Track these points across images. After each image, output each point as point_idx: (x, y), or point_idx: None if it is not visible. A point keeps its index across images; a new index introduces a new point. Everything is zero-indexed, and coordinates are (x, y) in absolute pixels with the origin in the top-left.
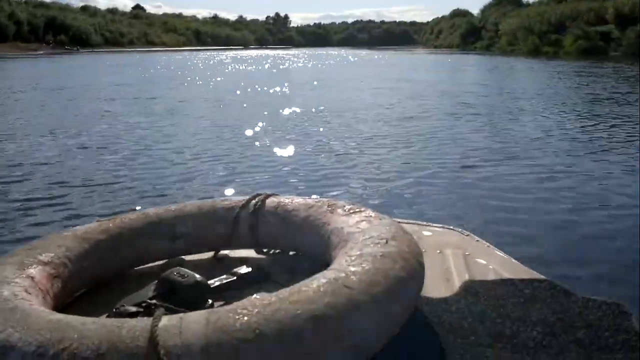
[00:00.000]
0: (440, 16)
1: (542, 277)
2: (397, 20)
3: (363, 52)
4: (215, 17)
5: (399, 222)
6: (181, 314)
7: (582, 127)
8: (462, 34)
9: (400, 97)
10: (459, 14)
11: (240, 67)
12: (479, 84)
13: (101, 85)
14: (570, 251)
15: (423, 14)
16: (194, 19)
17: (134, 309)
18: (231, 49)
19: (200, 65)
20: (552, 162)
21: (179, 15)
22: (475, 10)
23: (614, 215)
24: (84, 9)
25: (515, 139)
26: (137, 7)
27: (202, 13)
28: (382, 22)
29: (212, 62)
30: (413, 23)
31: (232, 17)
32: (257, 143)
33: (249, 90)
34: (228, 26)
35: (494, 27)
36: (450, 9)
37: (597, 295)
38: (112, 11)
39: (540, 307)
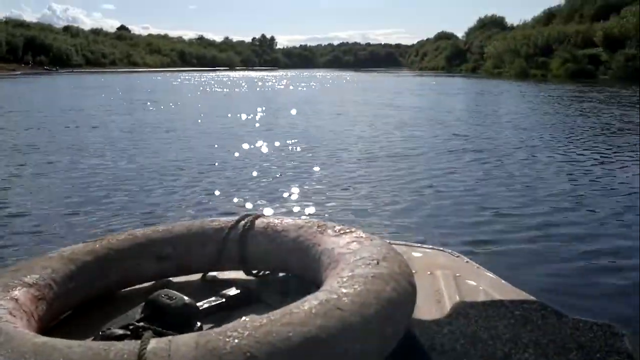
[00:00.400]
0: (425, 39)
1: (533, 298)
2: (382, 43)
3: (348, 74)
4: (201, 38)
5: (389, 243)
6: (170, 337)
7: (578, 149)
8: (447, 57)
9: (385, 128)
10: (444, 37)
11: (219, 90)
12: (472, 111)
13: (48, 110)
14: (559, 272)
15: (407, 37)
16: (179, 39)
17: (121, 331)
18: (216, 70)
19: (177, 87)
20: (543, 184)
21: (165, 37)
22: (459, 33)
23: (604, 238)
24: (66, 29)
25: (507, 164)
26: (122, 27)
27: (189, 35)
28: (368, 44)
29: (190, 83)
30: (398, 45)
31: (219, 38)
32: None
33: (215, 117)
34: (214, 47)
35: (479, 50)
36: (434, 32)
37: (587, 317)
38: (96, 32)
39: (531, 328)
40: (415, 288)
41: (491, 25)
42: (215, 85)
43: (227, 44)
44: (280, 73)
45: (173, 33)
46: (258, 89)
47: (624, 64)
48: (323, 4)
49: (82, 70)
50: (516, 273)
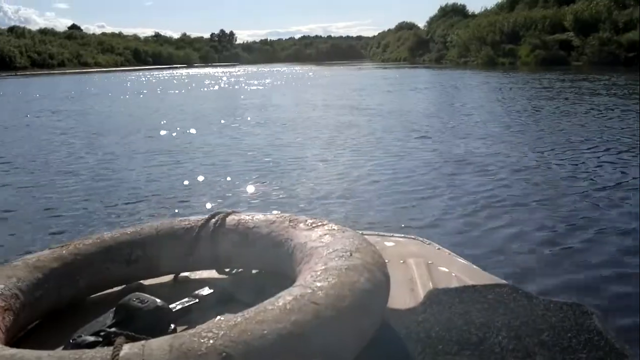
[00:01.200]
0: (386, 29)
1: (504, 282)
2: (344, 35)
3: (309, 69)
4: (157, 36)
5: (362, 233)
6: (143, 341)
7: (555, 136)
8: (409, 47)
9: (350, 152)
10: (405, 27)
11: (157, 92)
12: (462, 115)
13: None
14: (528, 255)
15: (369, 29)
16: (134, 37)
17: (92, 338)
18: (172, 68)
19: (114, 88)
20: (511, 170)
21: (119, 35)
22: (421, 24)
23: (571, 221)
24: (11, 29)
25: (475, 152)
26: (74, 27)
27: (148, 32)
28: (329, 37)
29: (132, 85)
30: (359, 37)
31: (177, 35)
32: None
33: (116, 136)
34: (171, 44)
35: (442, 39)
36: (395, 23)
37: (557, 298)
38: (44, 32)
39: (504, 312)
40: (389, 278)
41: (453, 13)
42: (159, 86)
43: (184, 40)
44: (237, 69)
45: (130, 31)
46: (205, 88)
47: (599, 49)
48: None
49: (26, 73)
50: (487, 258)
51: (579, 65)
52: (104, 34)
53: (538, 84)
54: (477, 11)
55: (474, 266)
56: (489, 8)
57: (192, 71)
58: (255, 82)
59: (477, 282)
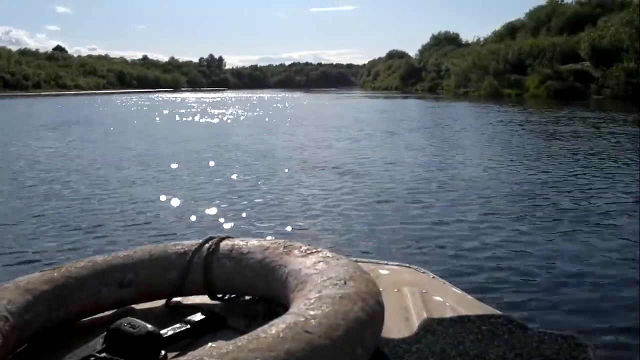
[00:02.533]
0: (377, 57)
1: (499, 312)
2: (334, 63)
3: (296, 96)
4: (144, 59)
5: (356, 261)
6: None
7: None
8: (401, 75)
9: None
10: (396, 55)
11: (104, 122)
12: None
13: None
14: (523, 286)
15: (360, 57)
16: (120, 60)
17: None
18: (158, 91)
19: (68, 116)
20: (505, 202)
21: (105, 57)
22: (411, 52)
23: (565, 253)
24: None
25: (470, 183)
26: (58, 48)
27: (139, 55)
28: (319, 64)
29: (93, 111)
30: (350, 65)
31: (167, 58)
32: None
33: None
34: (158, 68)
35: (436, 68)
36: (386, 52)
37: (552, 329)
38: (23, 52)
39: (498, 343)
40: (383, 307)
41: (446, 42)
42: (117, 114)
43: (172, 64)
44: (218, 95)
45: (121, 54)
46: (142, 121)
47: (626, 81)
48: (277, 24)
49: None
50: (481, 288)
51: (600, 100)
52: (89, 56)
53: (581, 124)
54: (470, 40)
55: (469, 296)
56: (483, 37)
57: (173, 96)
58: (220, 112)
59: (471, 312)
